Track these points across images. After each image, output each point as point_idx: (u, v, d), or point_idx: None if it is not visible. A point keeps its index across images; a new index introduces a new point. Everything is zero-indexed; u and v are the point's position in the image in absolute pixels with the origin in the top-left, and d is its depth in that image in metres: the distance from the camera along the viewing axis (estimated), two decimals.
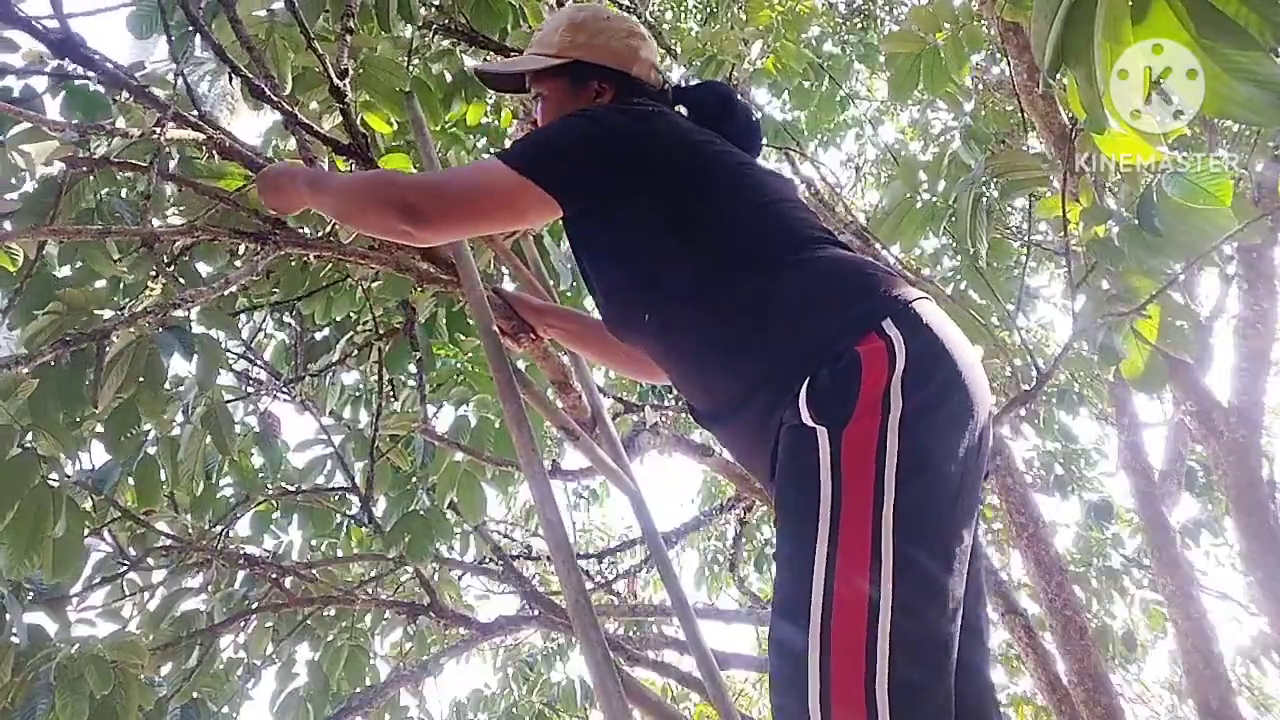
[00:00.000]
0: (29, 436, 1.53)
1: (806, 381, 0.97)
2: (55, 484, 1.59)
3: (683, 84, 1.43)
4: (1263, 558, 3.56)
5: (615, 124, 1.17)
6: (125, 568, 2.60)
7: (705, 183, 1.15)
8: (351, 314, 2.59)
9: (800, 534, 0.93)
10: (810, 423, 0.95)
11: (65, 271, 1.73)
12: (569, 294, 2.65)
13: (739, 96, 1.39)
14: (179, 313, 1.50)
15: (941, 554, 0.91)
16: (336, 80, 1.32)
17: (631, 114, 1.20)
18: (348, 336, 2.50)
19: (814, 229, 1.13)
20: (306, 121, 1.33)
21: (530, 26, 2.77)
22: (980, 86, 4.71)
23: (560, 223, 1.31)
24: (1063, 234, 2.38)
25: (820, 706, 0.84)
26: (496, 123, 3.32)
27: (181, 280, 1.67)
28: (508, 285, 2.89)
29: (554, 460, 3.21)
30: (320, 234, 1.61)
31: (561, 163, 1.15)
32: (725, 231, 1.11)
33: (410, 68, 1.91)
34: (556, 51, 1.34)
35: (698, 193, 1.14)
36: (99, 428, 1.89)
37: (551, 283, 2.01)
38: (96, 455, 2.21)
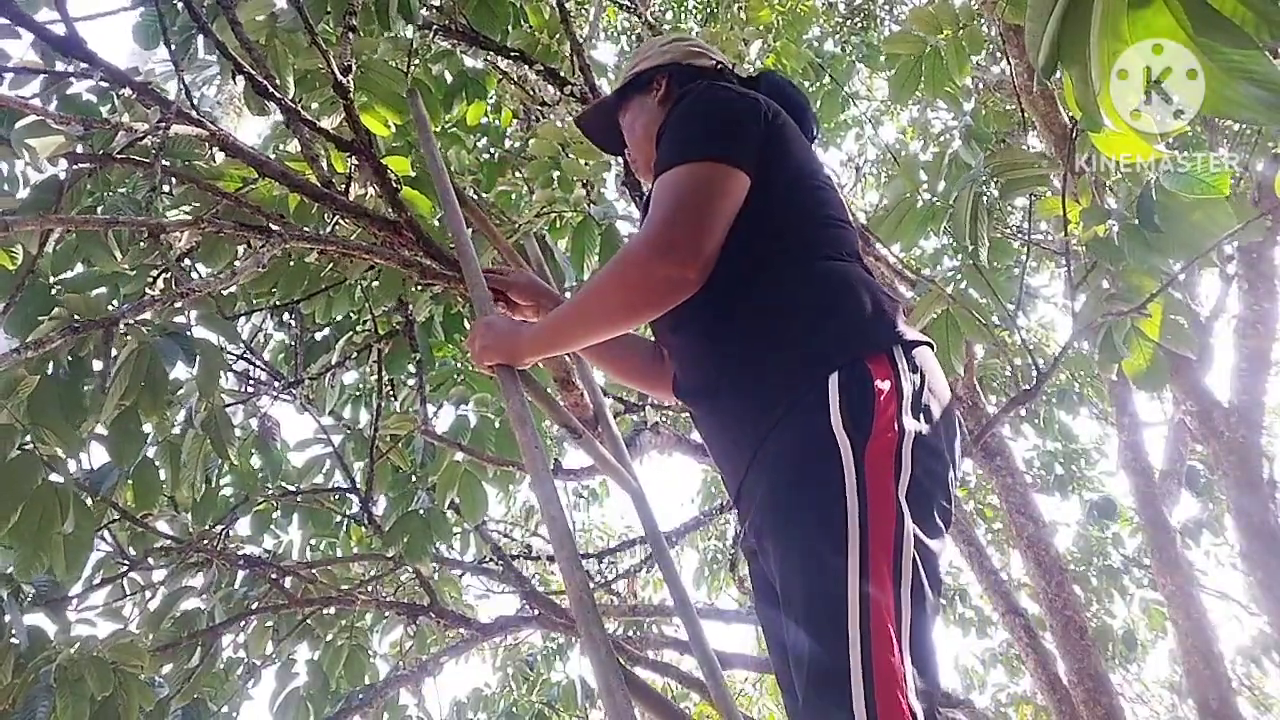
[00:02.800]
0: (28, 437, 1.52)
1: (834, 388, 0.99)
2: (60, 483, 1.58)
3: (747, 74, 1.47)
4: (1263, 558, 3.56)
5: (733, 95, 1.21)
6: (126, 568, 2.60)
7: (788, 175, 1.19)
8: (351, 313, 2.58)
9: (824, 538, 0.93)
10: (838, 431, 0.96)
11: (65, 279, 1.71)
12: (572, 291, 2.65)
13: (794, 85, 1.43)
14: (181, 317, 1.49)
15: (933, 568, 0.95)
16: (340, 76, 1.31)
17: (737, 88, 1.23)
18: (347, 337, 2.50)
19: (854, 249, 1.20)
20: (310, 119, 1.33)
21: (531, 27, 2.77)
22: (980, 86, 4.71)
23: (557, 218, 1.32)
24: (1063, 233, 2.38)
25: (867, 715, 0.84)
26: (497, 123, 3.32)
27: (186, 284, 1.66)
28: None
29: (555, 460, 3.21)
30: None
31: (730, 135, 1.15)
32: (791, 225, 1.15)
33: (410, 69, 1.91)
34: (624, 78, 1.47)
35: (791, 178, 1.19)
36: (99, 428, 1.88)
37: (553, 281, 2.01)
38: (95, 456, 2.21)
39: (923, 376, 1.03)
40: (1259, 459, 3.63)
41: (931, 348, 1.10)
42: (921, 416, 1.00)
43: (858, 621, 0.87)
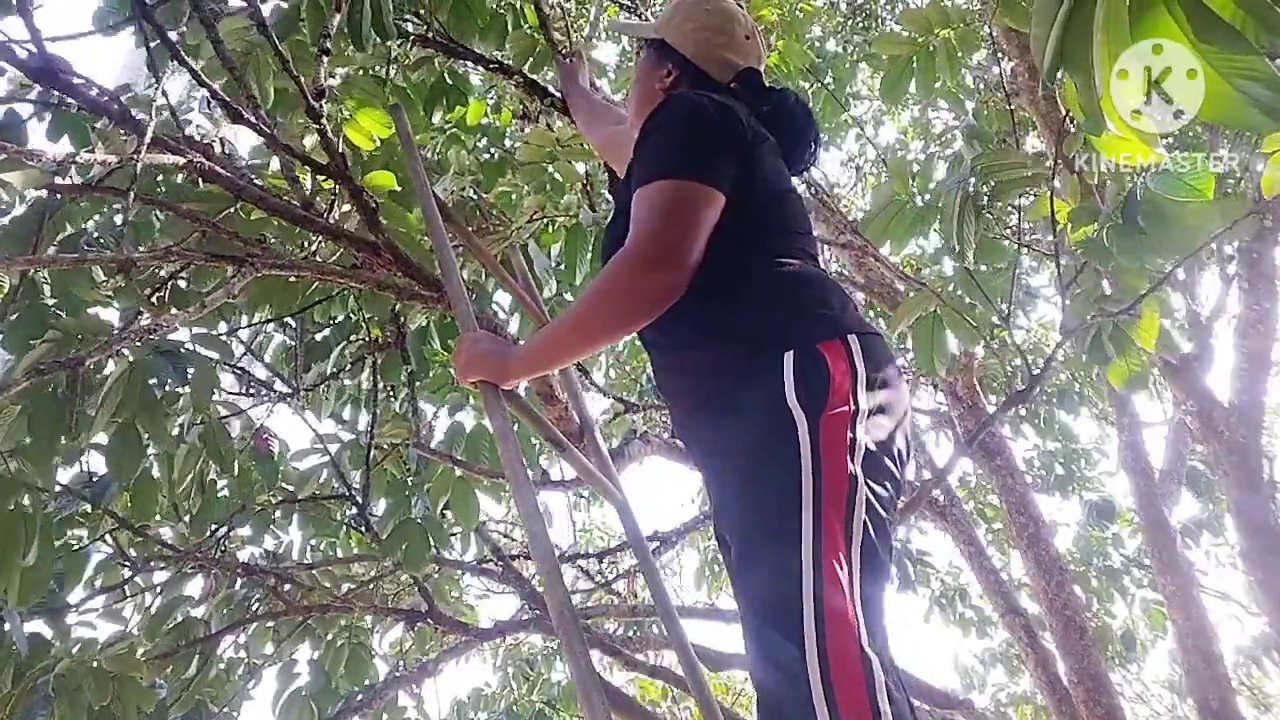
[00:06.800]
0: (10, 462, 1.52)
1: (790, 364, 1.05)
2: (29, 511, 1.57)
3: (765, 84, 1.47)
4: (1263, 558, 3.55)
5: (715, 113, 1.23)
6: (126, 573, 2.63)
7: (757, 193, 1.23)
8: (351, 314, 2.60)
9: (780, 503, 0.97)
10: (793, 404, 1.02)
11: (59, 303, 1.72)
12: (555, 303, 2.67)
13: (808, 112, 1.45)
14: (174, 336, 1.50)
15: (885, 538, 1.01)
16: (312, 101, 1.33)
17: (727, 107, 1.26)
18: (340, 347, 2.52)
19: (813, 253, 1.27)
20: (285, 142, 1.34)
21: (529, 29, 2.77)
22: (981, 86, 4.69)
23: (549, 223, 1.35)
24: (1053, 234, 2.37)
25: (819, 660, 0.87)
26: (496, 123, 3.32)
27: (170, 305, 1.67)
28: (501, 296, 2.90)
29: (544, 471, 3.22)
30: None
31: (710, 156, 1.18)
32: (756, 234, 1.21)
33: (390, 77, 1.91)
34: (656, 25, 1.48)
35: (763, 195, 1.24)
36: (100, 438, 1.89)
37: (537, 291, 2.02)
38: (95, 463, 2.24)
39: (876, 361, 1.09)
40: (1259, 459, 3.62)
41: (882, 338, 1.16)
42: (874, 396, 1.06)
43: (811, 579, 0.91)
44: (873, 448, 1.02)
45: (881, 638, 0.94)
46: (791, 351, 1.05)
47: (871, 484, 1.00)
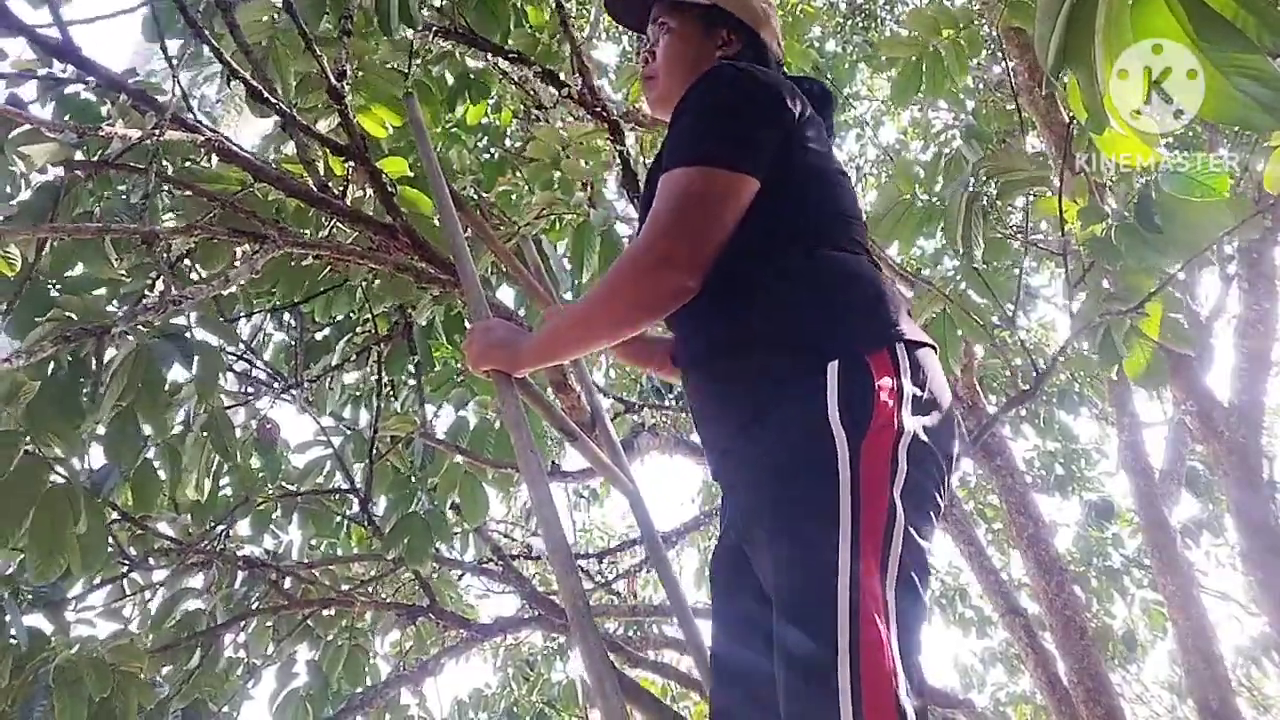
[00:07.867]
0: (30, 441, 1.52)
1: (834, 378, 0.97)
2: (68, 484, 1.58)
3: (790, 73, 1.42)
4: (1263, 558, 3.56)
5: (762, 88, 1.16)
6: (126, 568, 2.61)
7: (804, 170, 1.17)
8: (351, 313, 2.59)
9: (815, 530, 0.92)
10: (834, 422, 0.95)
11: (64, 281, 1.71)
12: (570, 296, 2.66)
13: (830, 95, 1.40)
14: (179, 319, 1.49)
15: (921, 565, 0.95)
16: (334, 81, 1.31)
17: (773, 79, 1.19)
18: (346, 338, 2.50)
19: (863, 242, 1.19)
20: (305, 124, 1.33)
21: (531, 27, 2.77)
22: (981, 86, 4.71)
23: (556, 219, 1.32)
24: (1061, 233, 2.38)
25: (853, 709, 0.82)
26: (496, 122, 3.32)
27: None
28: (506, 292, 2.90)
29: (554, 462, 3.21)
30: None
31: (747, 137, 1.12)
32: (802, 217, 1.14)
33: (410, 70, 1.91)
34: None
35: (802, 173, 1.16)
36: (99, 429, 1.88)
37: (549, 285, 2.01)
38: (95, 458, 2.22)
39: (924, 376, 1.02)
40: (1259, 459, 3.63)
41: (934, 349, 1.09)
42: (920, 416, 0.99)
43: (847, 616, 0.86)
44: (917, 474, 0.95)
45: (915, 674, 0.88)
46: (836, 362, 0.98)
47: (911, 514, 0.94)
